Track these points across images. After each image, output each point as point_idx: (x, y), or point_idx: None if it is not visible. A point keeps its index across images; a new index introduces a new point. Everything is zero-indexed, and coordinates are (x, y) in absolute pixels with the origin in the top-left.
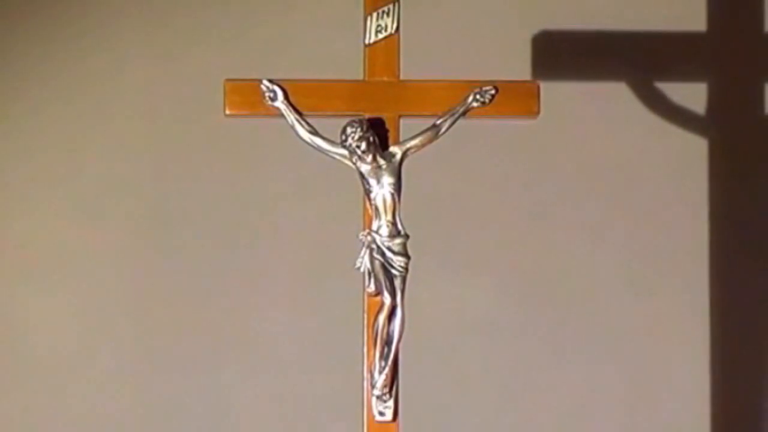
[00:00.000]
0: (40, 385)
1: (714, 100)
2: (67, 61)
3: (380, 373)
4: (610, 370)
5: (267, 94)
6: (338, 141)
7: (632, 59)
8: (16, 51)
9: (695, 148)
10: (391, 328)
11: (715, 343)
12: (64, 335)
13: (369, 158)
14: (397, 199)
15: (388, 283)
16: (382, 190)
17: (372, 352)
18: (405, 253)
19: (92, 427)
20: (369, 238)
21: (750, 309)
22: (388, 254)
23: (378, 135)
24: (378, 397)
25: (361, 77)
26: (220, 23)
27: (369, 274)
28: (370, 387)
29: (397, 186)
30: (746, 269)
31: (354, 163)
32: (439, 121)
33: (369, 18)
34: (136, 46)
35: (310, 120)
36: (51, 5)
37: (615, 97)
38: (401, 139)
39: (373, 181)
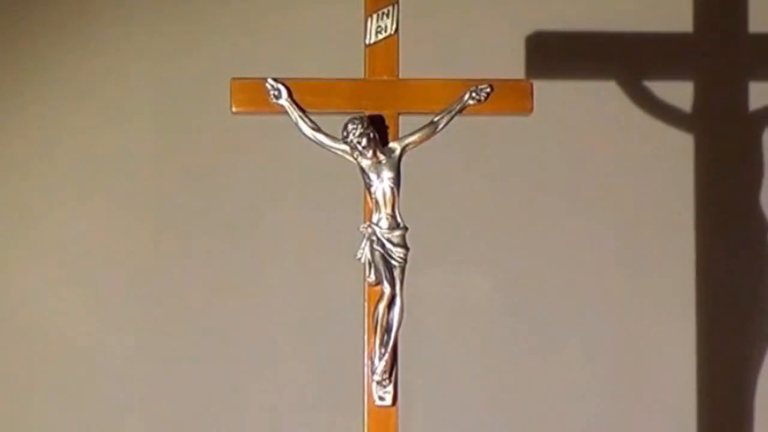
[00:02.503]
0: (55, 377)
1: (700, 98)
2: (75, 60)
3: (380, 359)
4: (605, 359)
5: (272, 93)
6: (340, 137)
7: (621, 59)
8: (25, 52)
9: (682, 145)
10: (391, 316)
11: (702, 334)
12: (79, 328)
13: (369, 154)
14: (396, 193)
15: (387, 274)
16: (382, 184)
17: (372, 340)
18: (404, 245)
19: (106, 418)
20: (369, 230)
21: (734, 301)
22: (388, 245)
23: (378, 131)
24: (378, 383)
25: (361, 76)
26: (227, 24)
27: (369, 264)
28: (370, 373)
29: (397, 180)
30: (730, 263)
31: (355, 159)
32: (436, 118)
33: (369, 19)
34: (144, 47)
35: (312, 117)
36: (59, 5)
37: (605, 95)
38: (400, 136)
39: (373, 176)
